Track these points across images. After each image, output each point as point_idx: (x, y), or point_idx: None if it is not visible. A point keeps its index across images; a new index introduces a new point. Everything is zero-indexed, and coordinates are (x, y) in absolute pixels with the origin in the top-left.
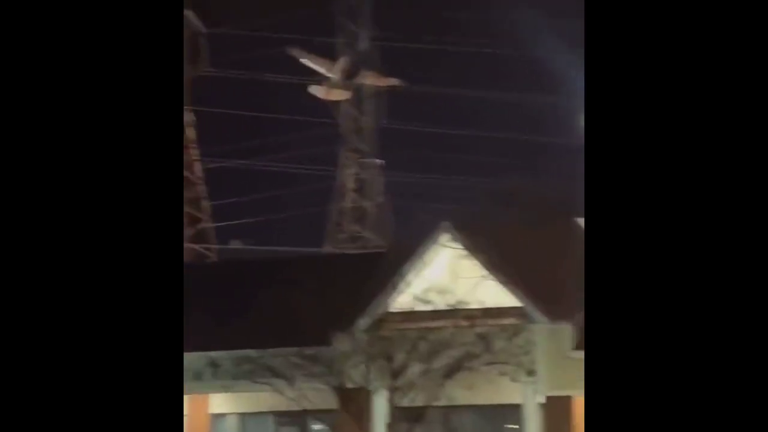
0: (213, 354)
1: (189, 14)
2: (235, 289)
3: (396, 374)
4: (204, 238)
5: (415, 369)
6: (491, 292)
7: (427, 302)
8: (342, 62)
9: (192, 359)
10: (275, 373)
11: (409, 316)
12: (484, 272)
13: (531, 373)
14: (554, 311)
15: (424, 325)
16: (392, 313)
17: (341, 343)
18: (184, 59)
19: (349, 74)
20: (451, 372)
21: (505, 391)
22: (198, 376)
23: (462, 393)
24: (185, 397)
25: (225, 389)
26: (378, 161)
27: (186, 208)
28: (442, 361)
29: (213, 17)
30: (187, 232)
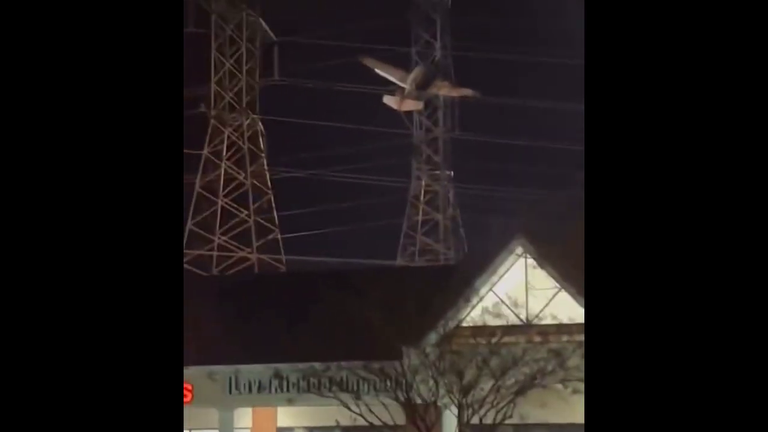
0: (279, 366)
1: (260, 22)
2: (303, 300)
3: (466, 390)
4: (273, 248)
5: (485, 385)
6: (565, 307)
7: (499, 316)
8: (416, 72)
9: (258, 371)
10: (342, 387)
11: (481, 330)
12: (558, 285)
13: None
14: None
15: (495, 340)
16: (463, 327)
17: (410, 358)
18: (256, 68)
19: (423, 84)
20: (523, 389)
21: (579, 409)
22: (264, 388)
23: (534, 411)
24: (251, 410)
25: (290, 402)
26: (450, 173)
27: (257, 218)
28: (513, 378)
29: (285, 26)
30: (257, 242)
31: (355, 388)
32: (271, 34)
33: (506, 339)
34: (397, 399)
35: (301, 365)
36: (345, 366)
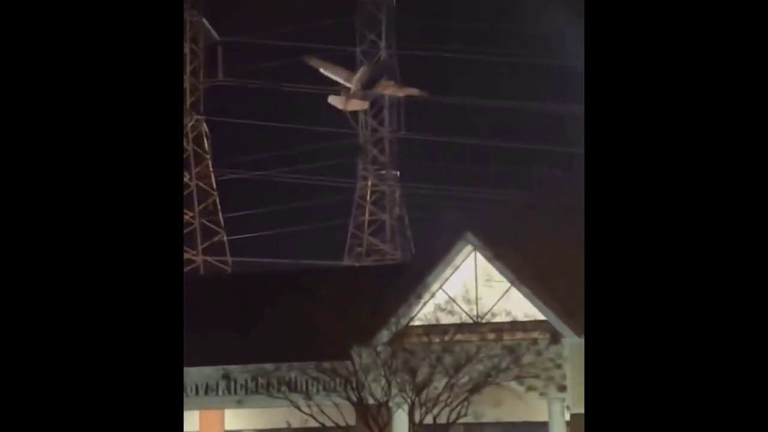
0: (228, 367)
1: (204, 22)
2: (251, 301)
3: (419, 389)
4: (219, 250)
5: (439, 384)
6: (519, 305)
7: (452, 313)
8: (361, 72)
9: (206, 373)
10: (291, 387)
11: (433, 328)
12: (511, 283)
13: (562, 388)
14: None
15: (448, 338)
16: (415, 325)
17: (361, 357)
18: (200, 68)
19: (368, 84)
20: (477, 387)
21: (534, 407)
22: (212, 390)
23: (488, 409)
24: (198, 412)
25: (239, 404)
26: (396, 173)
27: (202, 220)
28: (467, 376)
29: (230, 25)
30: (203, 244)
31: (305, 388)
32: (215, 34)
33: (459, 337)
34: (348, 399)
35: (250, 366)
36: (296, 366)
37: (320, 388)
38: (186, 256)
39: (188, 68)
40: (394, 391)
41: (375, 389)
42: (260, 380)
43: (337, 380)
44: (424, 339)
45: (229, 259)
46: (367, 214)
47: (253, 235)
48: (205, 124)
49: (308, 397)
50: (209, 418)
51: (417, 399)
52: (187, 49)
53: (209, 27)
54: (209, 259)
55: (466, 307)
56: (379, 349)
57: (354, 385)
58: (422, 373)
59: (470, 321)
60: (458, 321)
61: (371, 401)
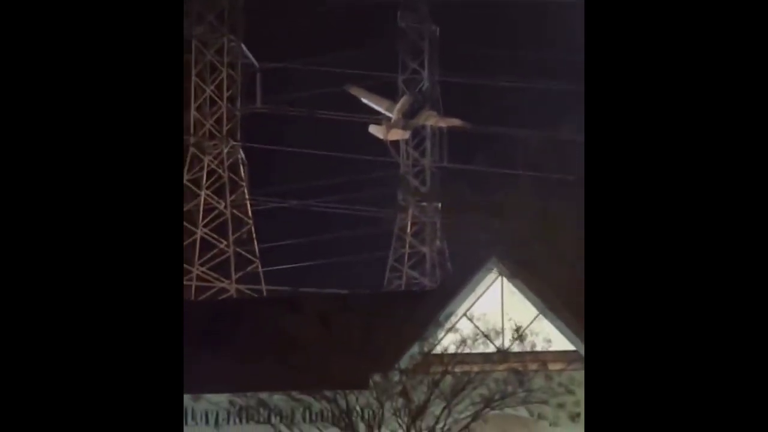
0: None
1: (242, 48)
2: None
3: (414, 415)
4: (254, 280)
5: (436, 409)
6: (546, 332)
7: (472, 344)
8: (403, 102)
9: (220, 401)
10: (293, 418)
11: (453, 357)
12: (539, 311)
13: (575, 417)
14: None
15: (468, 368)
16: (436, 354)
17: (382, 389)
18: (238, 94)
19: (410, 114)
20: (477, 414)
21: None
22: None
23: None
24: None
25: None
26: (438, 205)
27: (236, 249)
28: (468, 400)
29: (269, 52)
30: (237, 273)
31: (318, 419)
32: (253, 60)
33: (481, 367)
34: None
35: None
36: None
37: (329, 419)
38: (220, 284)
39: (225, 94)
40: (409, 420)
41: (388, 419)
42: (262, 411)
43: (348, 412)
44: (439, 368)
45: (264, 288)
46: (407, 247)
47: (289, 266)
48: (241, 151)
49: (319, 427)
50: None
51: (413, 426)
52: (224, 75)
53: (248, 53)
54: (242, 288)
55: (488, 337)
56: (395, 378)
57: (364, 416)
58: (419, 398)
59: (494, 350)
60: (481, 351)
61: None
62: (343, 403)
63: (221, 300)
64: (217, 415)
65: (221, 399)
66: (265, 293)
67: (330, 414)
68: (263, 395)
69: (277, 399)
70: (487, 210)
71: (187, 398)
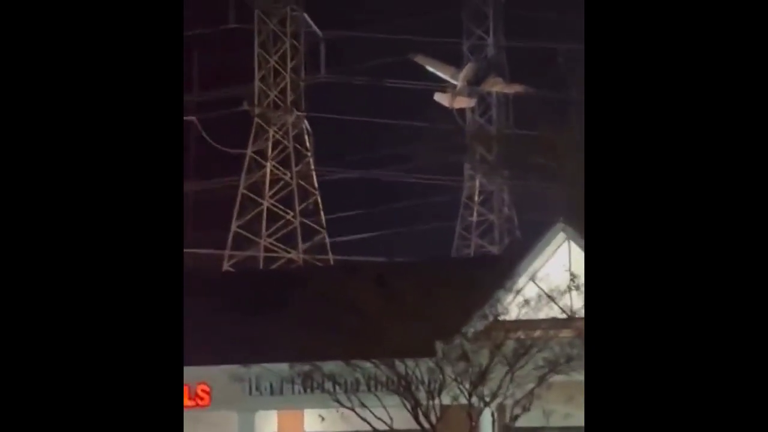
0: (303, 367)
1: (305, 17)
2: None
3: (476, 379)
4: (320, 250)
5: (527, 383)
6: None
7: (540, 309)
8: (468, 69)
9: (282, 370)
10: (369, 388)
11: (523, 324)
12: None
13: None
14: None
15: (537, 335)
16: (503, 320)
17: (443, 354)
18: (301, 64)
19: (475, 81)
20: (543, 378)
21: None
22: (288, 390)
23: (558, 405)
24: (277, 413)
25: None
26: (505, 172)
27: (303, 219)
28: (533, 364)
29: (332, 21)
30: (304, 244)
31: (384, 389)
32: (317, 30)
33: (550, 332)
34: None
35: (325, 364)
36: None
37: (398, 388)
38: (288, 255)
39: (289, 65)
40: (479, 391)
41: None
42: (338, 379)
43: (417, 380)
44: (510, 335)
45: (331, 258)
46: (475, 215)
47: (356, 237)
48: (306, 122)
49: (385, 398)
50: (288, 419)
51: (474, 392)
52: (287, 45)
53: (311, 22)
54: (309, 258)
55: (555, 301)
56: (463, 346)
57: (434, 384)
58: (480, 363)
59: (560, 314)
60: (547, 316)
61: (452, 402)
62: (402, 369)
63: (284, 269)
64: (282, 383)
65: (282, 367)
66: (332, 263)
67: (388, 381)
68: (321, 363)
69: (335, 366)
70: (554, 174)
71: (248, 368)
